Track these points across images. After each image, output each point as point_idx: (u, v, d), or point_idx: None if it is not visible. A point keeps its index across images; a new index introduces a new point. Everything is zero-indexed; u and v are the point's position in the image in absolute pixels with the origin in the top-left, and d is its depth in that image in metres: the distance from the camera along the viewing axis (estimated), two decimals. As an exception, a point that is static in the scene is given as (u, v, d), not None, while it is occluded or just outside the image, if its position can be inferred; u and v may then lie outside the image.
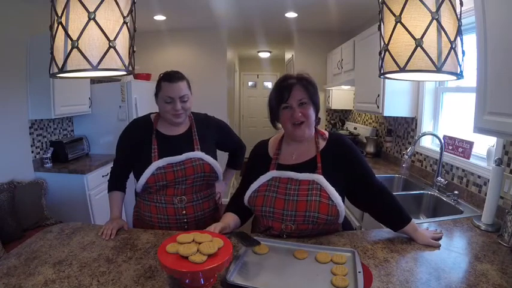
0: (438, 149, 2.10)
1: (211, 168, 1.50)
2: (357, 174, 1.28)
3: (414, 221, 1.31)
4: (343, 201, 1.26)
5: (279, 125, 1.30)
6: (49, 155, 2.94)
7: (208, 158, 1.49)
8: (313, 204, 1.20)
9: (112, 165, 1.58)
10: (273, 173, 1.28)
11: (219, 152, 1.63)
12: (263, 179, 1.28)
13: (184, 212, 1.46)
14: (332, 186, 1.21)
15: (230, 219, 1.31)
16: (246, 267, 1.07)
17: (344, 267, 1.04)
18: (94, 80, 3.47)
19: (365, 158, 1.37)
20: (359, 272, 0.99)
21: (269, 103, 1.28)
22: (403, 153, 2.62)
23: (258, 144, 1.42)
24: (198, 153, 1.48)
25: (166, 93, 1.41)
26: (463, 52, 0.98)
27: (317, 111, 1.26)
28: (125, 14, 0.91)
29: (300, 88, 1.20)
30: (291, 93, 1.19)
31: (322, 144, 1.30)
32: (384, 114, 2.56)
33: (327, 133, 1.34)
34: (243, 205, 1.33)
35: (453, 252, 1.22)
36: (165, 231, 1.41)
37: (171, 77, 1.42)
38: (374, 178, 1.31)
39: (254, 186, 1.29)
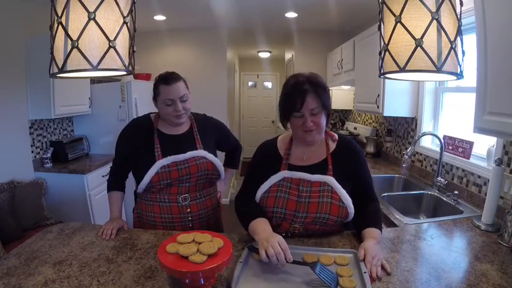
0: (438, 149, 2.10)
1: (214, 167, 1.51)
2: (359, 180, 1.29)
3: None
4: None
5: (289, 124, 1.28)
6: (49, 155, 2.94)
7: (211, 157, 1.50)
8: (324, 205, 1.20)
9: (111, 165, 1.57)
10: (284, 173, 1.27)
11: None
12: (274, 179, 1.27)
13: (188, 210, 1.46)
14: (342, 186, 1.22)
15: (267, 225, 1.18)
16: (249, 273, 1.04)
17: (349, 269, 1.04)
18: (94, 80, 3.47)
19: (368, 170, 1.36)
20: (364, 272, 0.99)
21: (280, 107, 1.25)
22: (403, 153, 2.62)
23: (264, 144, 1.40)
24: (201, 152, 1.48)
25: (166, 96, 1.40)
26: (463, 52, 0.98)
27: (329, 113, 1.24)
28: (125, 14, 0.91)
29: (314, 96, 1.16)
30: (304, 102, 1.16)
31: (333, 146, 1.30)
32: (384, 114, 2.56)
33: (336, 135, 1.33)
34: (256, 203, 1.29)
35: (453, 252, 1.22)
36: (165, 231, 1.40)
37: (168, 79, 1.41)
38: (372, 188, 1.32)
39: (265, 186, 1.27)
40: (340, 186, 1.22)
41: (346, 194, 1.21)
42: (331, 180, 1.23)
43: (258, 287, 0.98)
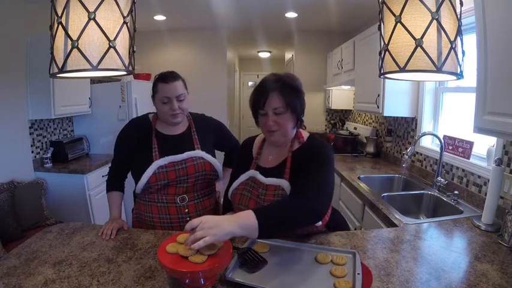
0: (438, 149, 2.10)
1: (212, 167, 1.51)
2: (302, 174, 1.16)
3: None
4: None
5: None
6: (49, 155, 2.94)
7: (208, 157, 1.50)
8: None
9: (110, 165, 1.57)
10: (250, 173, 1.29)
11: (216, 152, 1.63)
12: (243, 177, 1.30)
13: (186, 210, 1.46)
14: None
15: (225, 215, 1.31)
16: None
17: (343, 268, 1.04)
18: (94, 80, 3.48)
19: (328, 173, 1.16)
20: (358, 273, 0.99)
21: (249, 104, 1.24)
22: (403, 153, 2.62)
23: (246, 141, 1.42)
24: (199, 152, 1.49)
25: (163, 93, 1.41)
26: (463, 52, 0.98)
27: (298, 115, 1.20)
28: (125, 14, 0.91)
29: (278, 95, 1.14)
30: (267, 100, 1.14)
31: (296, 147, 1.25)
32: (384, 114, 2.56)
33: (306, 136, 1.28)
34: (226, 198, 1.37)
35: (453, 252, 1.22)
36: (165, 231, 1.40)
37: (166, 77, 1.42)
38: (314, 188, 1.09)
39: (236, 183, 1.31)
40: None
41: None
42: (285, 184, 1.18)
43: (250, 277, 1.00)
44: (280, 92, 1.15)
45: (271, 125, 1.17)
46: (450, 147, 2.06)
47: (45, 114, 2.81)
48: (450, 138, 2.08)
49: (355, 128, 3.84)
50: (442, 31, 0.92)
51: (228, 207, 1.40)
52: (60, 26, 0.86)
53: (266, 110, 1.16)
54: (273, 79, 1.18)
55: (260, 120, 1.21)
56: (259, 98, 1.17)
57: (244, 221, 0.94)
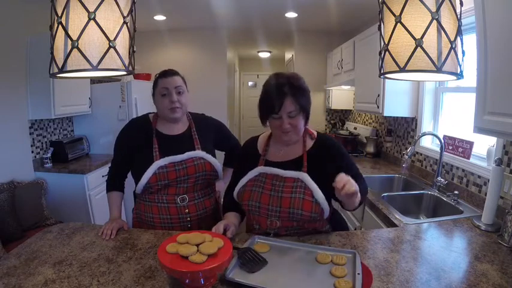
0: (438, 149, 2.10)
1: (212, 167, 1.51)
2: (341, 170, 1.15)
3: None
4: (330, 199, 1.24)
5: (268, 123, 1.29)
6: (49, 155, 2.94)
7: (209, 157, 1.50)
8: (296, 201, 1.20)
9: (110, 165, 1.57)
10: (260, 169, 1.30)
11: (216, 152, 1.63)
12: (251, 174, 1.31)
13: (187, 210, 1.46)
14: (317, 184, 1.21)
15: (232, 218, 1.33)
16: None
17: (343, 269, 1.04)
18: (94, 80, 3.48)
19: (351, 159, 1.33)
20: (358, 273, 0.99)
21: (259, 107, 1.26)
22: (403, 153, 2.62)
23: (248, 141, 1.44)
24: (199, 153, 1.49)
25: (162, 85, 1.44)
26: (463, 52, 0.98)
27: (308, 114, 1.25)
28: (125, 14, 0.91)
29: (292, 100, 1.17)
30: (282, 105, 1.17)
31: (310, 143, 1.31)
32: (384, 114, 2.56)
33: (315, 133, 1.34)
34: (231, 198, 1.37)
35: (453, 252, 1.22)
36: (165, 231, 1.40)
37: (165, 72, 1.47)
38: (357, 174, 1.26)
39: (243, 181, 1.31)
40: (313, 182, 1.21)
41: (319, 190, 1.20)
42: (304, 176, 1.23)
43: (250, 277, 1.00)
44: (293, 95, 1.18)
45: (287, 127, 1.21)
46: (450, 147, 2.06)
47: (45, 114, 2.81)
48: (450, 138, 2.08)
49: (355, 128, 3.83)
50: (442, 31, 0.92)
51: (228, 207, 1.40)
52: (60, 26, 0.86)
53: (281, 114, 1.19)
54: (282, 82, 1.19)
55: (272, 122, 1.24)
56: (273, 103, 1.18)
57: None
